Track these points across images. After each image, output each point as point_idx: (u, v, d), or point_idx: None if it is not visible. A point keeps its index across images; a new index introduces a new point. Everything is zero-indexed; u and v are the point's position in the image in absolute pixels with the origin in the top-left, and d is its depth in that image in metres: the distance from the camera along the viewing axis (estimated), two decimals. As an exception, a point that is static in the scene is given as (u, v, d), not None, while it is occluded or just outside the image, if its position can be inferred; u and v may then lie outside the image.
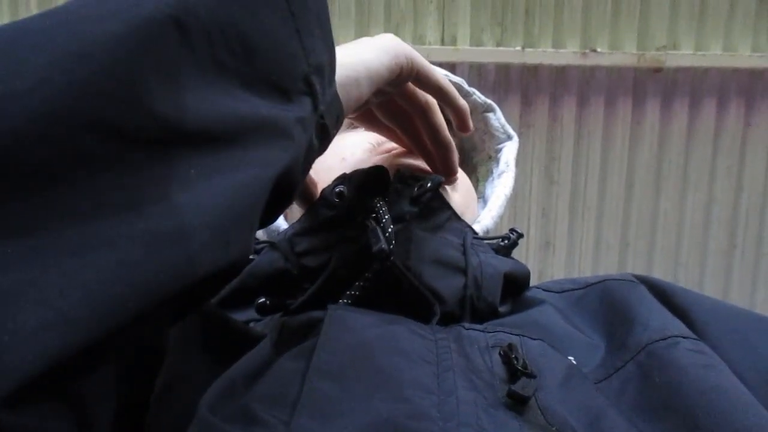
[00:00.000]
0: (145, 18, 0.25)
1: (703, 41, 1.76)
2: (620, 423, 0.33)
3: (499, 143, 0.70)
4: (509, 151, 0.69)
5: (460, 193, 0.61)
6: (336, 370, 0.33)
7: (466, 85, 0.67)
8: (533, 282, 0.54)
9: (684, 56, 1.73)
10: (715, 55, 1.74)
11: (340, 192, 0.49)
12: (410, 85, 0.52)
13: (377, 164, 0.52)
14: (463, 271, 0.48)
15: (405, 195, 0.50)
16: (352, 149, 0.60)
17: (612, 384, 0.38)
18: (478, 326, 0.41)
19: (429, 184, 0.50)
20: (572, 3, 1.71)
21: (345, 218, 0.49)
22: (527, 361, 0.35)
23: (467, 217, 0.57)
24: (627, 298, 0.45)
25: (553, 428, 0.32)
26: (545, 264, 1.83)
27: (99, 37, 0.23)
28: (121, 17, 0.24)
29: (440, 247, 0.49)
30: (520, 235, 0.55)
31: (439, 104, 0.55)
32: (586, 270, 1.83)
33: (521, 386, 0.33)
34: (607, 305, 0.46)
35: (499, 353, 0.37)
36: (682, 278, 1.85)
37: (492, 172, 0.70)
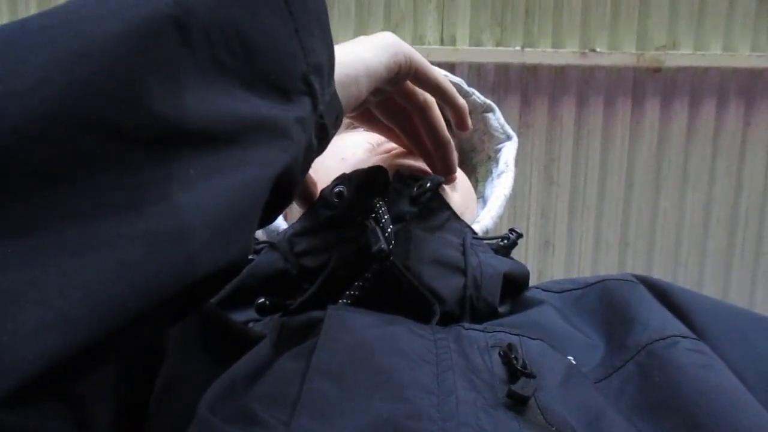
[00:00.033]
0: (145, 18, 0.25)
1: (702, 41, 1.76)
2: (620, 423, 0.33)
3: (499, 143, 0.70)
4: (509, 152, 0.69)
5: (459, 193, 0.61)
6: (336, 371, 0.33)
7: (465, 85, 0.67)
8: (533, 282, 0.54)
9: (683, 56, 1.73)
10: (714, 55, 1.74)
11: (340, 192, 0.49)
12: (409, 83, 0.52)
13: (377, 164, 0.52)
14: (463, 271, 0.48)
15: (404, 195, 0.50)
16: (352, 149, 0.60)
17: (611, 384, 0.38)
18: (477, 326, 0.41)
19: (428, 184, 0.50)
20: (572, 3, 1.71)
21: (344, 218, 0.49)
22: (527, 361, 0.35)
23: (467, 217, 0.57)
24: (626, 297, 0.45)
25: (553, 428, 0.32)
26: (545, 264, 1.83)
27: (99, 37, 0.23)
28: (121, 17, 0.24)
29: (440, 247, 0.49)
30: (520, 235, 0.55)
31: (438, 103, 0.55)
32: (585, 270, 1.83)
33: (521, 386, 0.33)
34: (606, 305, 0.46)
35: (499, 353, 0.37)
36: (682, 278, 1.86)
37: (491, 173, 0.70)
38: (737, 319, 0.42)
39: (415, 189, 0.50)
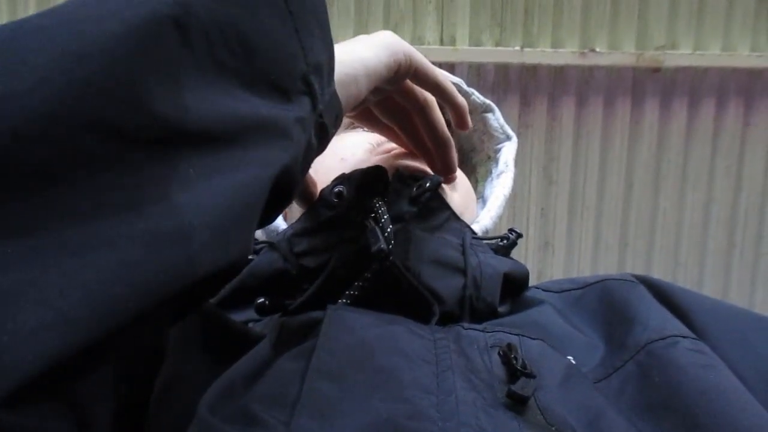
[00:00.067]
0: (144, 18, 0.25)
1: (701, 41, 1.76)
2: (619, 422, 0.33)
3: (498, 143, 0.70)
4: (508, 152, 0.69)
5: (459, 193, 0.61)
6: (335, 371, 0.33)
7: (464, 85, 0.67)
8: (532, 282, 0.54)
9: (683, 56, 1.73)
10: (713, 55, 1.74)
11: (339, 192, 0.49)
12: (408, 82, 0.52)
13: (376, 164, 0.52)
14: (462, 271, 0.48)
15: (404, 195, 0.50)
16: (352, 149, 0.60)
17: (611, 383, 0.38)
18: (477, 326, 0.41)
19: (428, 184, 0.50)
20: (571, 3, 1.71)
21: (344, 218, 0.49)
22: (526, 361, 0.35)
23: (466, 217, 0.57)
24: (626, 297, 0.45)
25: (553, 428, 0.32)
26: (544, 264, 1.83)
27: (99, 37, 0.23)
28: (120, 17, 0.24)
29: (439, 247, 0.49)
30: (519, 235, 0.55)
31: (437, 102, 0.55)
32: (585, 270, 1.83)
33: (520, 386, 0.33)
34: (606, 305, 0.46)
35: (499, 353, 0.37)
36: (682, 278, 1.85)
37: (491, 173, 0.70)
38: (737, 319, 0.42)
39: (415, 189, 0.50)
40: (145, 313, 0.23)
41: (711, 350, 0.38)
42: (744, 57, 1.75)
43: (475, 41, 1.70)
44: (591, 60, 1.69)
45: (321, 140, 0.38)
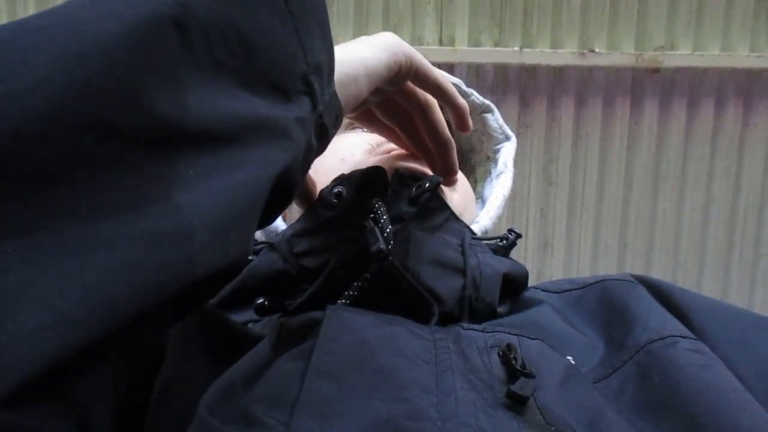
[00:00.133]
0: (144, 18, 0.25)
1: (701, 41, 1.76)
2: (619, 423, 0.33)
3: (498, 144, 0.70)
4: (507, 152, 0.69)
5: (458, 193, 0.61)
6: (335, 371, 0.33)
7: (464, 86, 0.67)
8: (532, 282, 0.54)
9: (682, 56, 1.73)
10: (713, 56, 1.74)
11: (339, 193, 0.49)
12: (409, 83, 0.52)
13: (375, 165, 0.52)
14: (462, 272, 0.48)
15: (403, 195, 0.50)
16: (351, 150, 0.60)
17: (611, 384, 0.38)
18: (476, 326, 0.41)
19: (427, 185, 0.50)
20: (570, 3, 1.71)
21: (344, 219, 0.49)
22: (526, 361, 0.35)
23: (465, 218, 0.57)
24: (625, 298, 0.45)
25: (552, 428, 0.32)
26: (544, 264, 1.83)
27: (98, 37, 0.23)
28: (120, 17, 0.24)
29: (439, 248, 0.49)
30: (519, 236, 0.55)
31: (438, 103, 0.55)
32: (584, 270, 1.83)
33: (520, 386, 0.33)
34: (605, 305, 0.46)
35: (498, 353, 0.37)
36: (681, 278, 1.86)
37: (490, 173, 0.70)
38: (737, 320, 0.42)
39: (414, 189, 0.50)
40: (145, 313, 0.23)
41: (710, 350, 0.38)
42: (743, 57, 1.75)
43: (474, 42, 1.71)
44: (590, 60, 1.69)
45: (321, 140, 0.38)
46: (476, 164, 0.73)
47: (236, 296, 0.47)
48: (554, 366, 0.37)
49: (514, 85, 1.74)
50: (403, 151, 0.59)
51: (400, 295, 0.45)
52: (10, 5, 1.65)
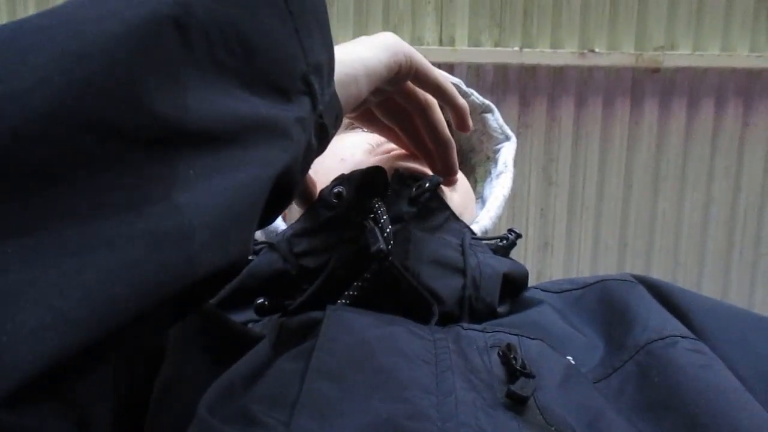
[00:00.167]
0: (144, 18, 0.25)
1: (700, 41, 1.76)
2: (619, 423, 0.33)
3: (498, 144, 0.70)
4: (507, 152, 0.69)
5: (458, 193, 0.61)
6: (335, 371, 0.33)
7: (464, 86, 0.67)
8: (532, 282, 0.54)
9: (682, 56, 1.73)
10: (712, 56, 1.74)
11: (339, 193, 0.49)
12: (410, 83, 0.52)
13: (375, 165, 0.52)
14: (462, 272, 0.48)
15: (403, 195, 0.50)
16: (351, 150, 0.60)
17: (611, 384, 0.38)
18: (476, 326, 0.41)
19: (427, 185, 0.50)
20: (570, 3, 1.71)
21: (343, 219, 0.48)
22: (526, 361, 0.35)
23: (465, 218, 0.57)
24: (625, 298, 0.45)
25: (552, 428, 0.32)
26: (544, 264, 1.83)
27: (98, 37, 0.23)
28: (120, 17, 0.24)
29: (439, 248, 0.49)
30: (519, 236, 0.55)
31: (438, 103, 0.55)
32: (584, 270, 1.83)
33: (520, 386, 0.33)
34: (605, 305, 0.46)
35: (498, 353, 0.37)
36: (681, 278, 1.86)
37: (490, 173, 0.70)
38: (737, 320, 0.42)
39: (414, 189, 0.50)
40: (145, 313, 0.23)
41: (710, 350, 0.38)
42: (743, 57, 1.75)
43: (474, 42, 1.71)
44: (590, 60, 1.69)
45: (321, 140, 0.38)
46: (476, 164, 0.73)
47: (236, 296, 0.47)
48: (554, 366, 0.37)
49: (514, 85, 1.74)
50: (403, 151, 0.59)
51: (400, 295, 0.45)
52: (10, 5, 1.65)
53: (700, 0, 1.74)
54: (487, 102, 0.69)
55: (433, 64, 0.52)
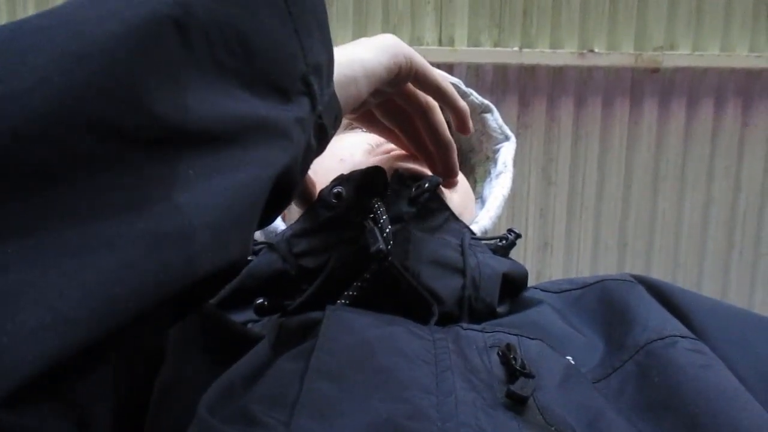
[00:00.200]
0: (144, 18, 0.25)
1: (700, 41, 1.76)
2: (619, 422, 0.33)
3: (497, 144, 0.70)
4: (507, 152, 0.69)
5: (458, 193, 0.61)
6: (335, 371, 0.33)
7: (463, 86, 0.67)
8: (531, 282, 0.54)
9: (681, 56, 1.73)
10: (712, 56, 1.74)
11: (338, 193, 0.49)
12: (410, 85, 0.52)
13: (375, 165, 0.52)
14: (462, 272, 0.48)
15: (403, 196, 0.50)
16: (351, 150, 0.60)
17: (611, 384, 0.38)
18: (476, 326, 0.41)
19: (427, 185, 0.50)
20: (570, 3, 1.71)
21: (343, 219, 0.49)
22: (525, 361, 0.35)
23: (465, 218, 0.57)
24: (625, 298, 0.45)
25: (552, 428, 0.32)
26: (543, 264, 1.83)
27: (98, 37, 0.23)
28: (120, 17, 0.24)
29: (438, 248, 0.49)
30: (518, 236, 0.55)
31: (438, 105, 0.55)
32: (584, 270, 1.83)
33: (520, 386, 0.33)
34: (605, 305, 0.46)
35: (498, 353, 0.37)
36: (681, 278, 1.86)
37: (490, 173, 0.70)
38: (737, 320, 0.42)
39: (414, 189, 0.50)
40: (145, 313, 0.23)
41: (710, 350, 0.38)
42: (742, 57, 1.75)
43: (474, 42, 1.71)
44: (590, 60, 1.69)
45: (320, 141, 0.38)
46: (476, 164, 0.73)
47: (236, 296, 0.47)
48: (554, 366, 0.37)
49: (513, 86, 1.74)
50: (402, 152, 0.59)
51: (400, 295, 0.45)
52: (10, 5, 1.65)
53: (700, 0, 1.74)
54: (486, 102, 0.69)
55: (433, 64, 0.52)
